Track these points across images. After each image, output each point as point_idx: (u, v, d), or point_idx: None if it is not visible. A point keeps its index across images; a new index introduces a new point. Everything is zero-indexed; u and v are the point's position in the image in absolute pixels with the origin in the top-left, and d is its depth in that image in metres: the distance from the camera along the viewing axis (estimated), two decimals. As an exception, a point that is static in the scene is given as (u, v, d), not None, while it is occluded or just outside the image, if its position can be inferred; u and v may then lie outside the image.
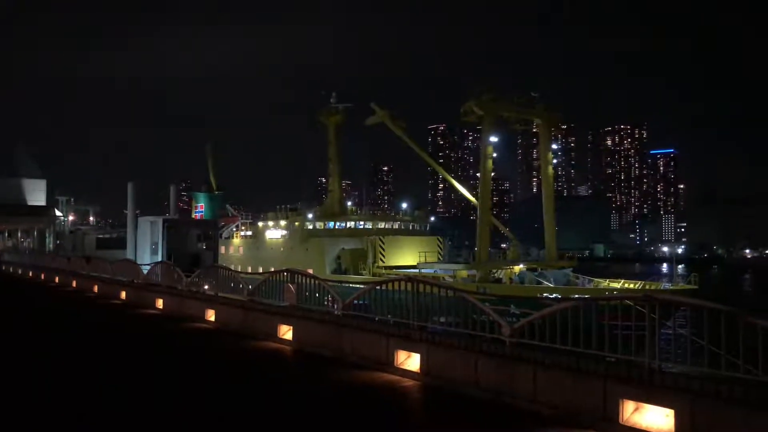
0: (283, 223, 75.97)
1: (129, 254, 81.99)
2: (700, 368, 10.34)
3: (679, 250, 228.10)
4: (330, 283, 19.43)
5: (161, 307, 30.33)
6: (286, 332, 19.90)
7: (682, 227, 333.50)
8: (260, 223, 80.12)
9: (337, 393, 13.71)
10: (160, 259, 72.91)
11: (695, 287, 45.37)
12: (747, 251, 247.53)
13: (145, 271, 36.19)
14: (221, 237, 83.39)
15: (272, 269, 24.20)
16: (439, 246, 70.42)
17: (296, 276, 20.26)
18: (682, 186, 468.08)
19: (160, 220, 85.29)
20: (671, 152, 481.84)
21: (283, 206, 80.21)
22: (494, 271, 57.32)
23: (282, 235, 75.50)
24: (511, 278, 55.15)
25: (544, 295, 41.38)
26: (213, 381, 15.29)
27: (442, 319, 14.62)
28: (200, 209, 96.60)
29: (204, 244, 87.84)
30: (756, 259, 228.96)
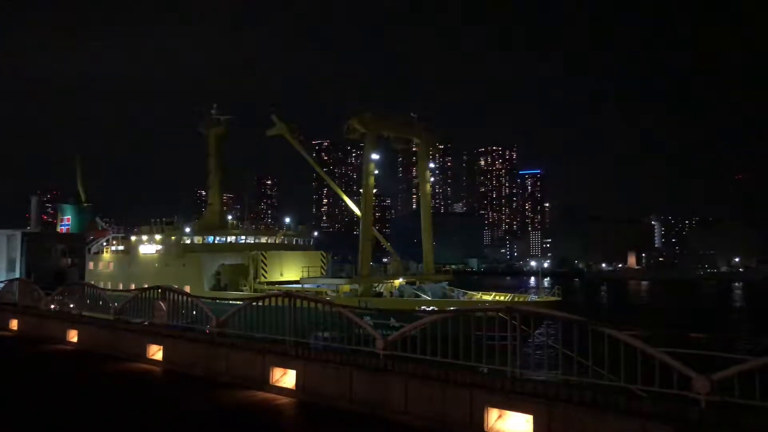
0: (158, 237, 72.48)
1: (-19, 271, 75.05)
2: (557, 375, 11.11)
3: (545, 265, 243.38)
4: (204, 300, 18.86)
5: (16, 328, 27.94)
6: (155, 352, 19.03)
7: (548, 243, 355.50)
8: (133, 238, 75.94)
9: (208, 414, 13.28)
10: (18, 275, 67.43)
11: (558, 299, 48.38)
12: (603, 265, 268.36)
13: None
14: (89, 252, 78.33)
15: (146, 286, 23.05)
16: (322, 261, 70.19)
17: (168, 293, 19.48)
18: (547, 204, 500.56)
19: (18, 234, 78.91)
20: (538, 173, 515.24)
21: (158, 219, 76.62)
22: (375, 285, 58.05)
23: (157, 250, 72.02)
24: (391, 292, 56.08)
25: (422, 308, 42.51)
26: (69, 408, 14.23)
27: (325, 335, 14.65)
28: (66, 222, 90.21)
29: (70, 259, 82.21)
30: (611, 273, 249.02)
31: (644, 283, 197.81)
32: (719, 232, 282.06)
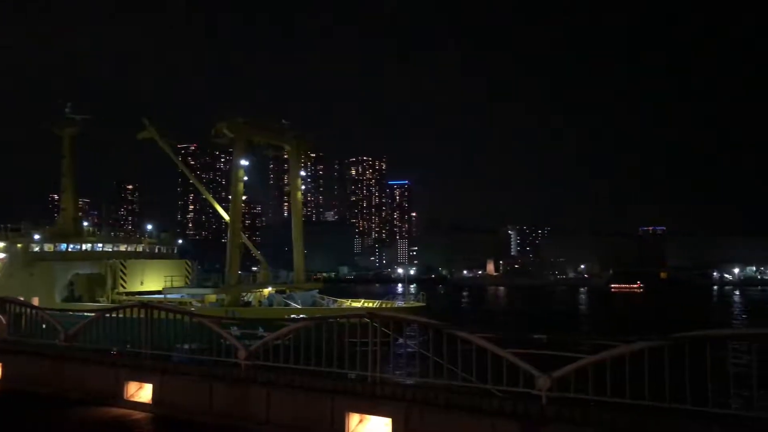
0: (1, 244, 66.28)
1: None
2: (416, 378, 11.57)
3: (412, 272, 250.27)
4: (53, 313, 17.56)
5: None
6: (-6, 370, 17.42)
7: (414, 251, 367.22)
8: (-29, 245, 68.85)
9: (56, 433, 12.43)
10: None
11: (423, 304, 50.09)
12: (465, 272, 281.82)
13: None
14: None
15: (-17, 298, 21.00)
16: (187, 270, 67.49)
17: (8, 305, 17.92)
18: (414, 214, 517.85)
19: None
20: (406, 183, 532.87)
21: (2, 226, 70.02)
22: (244, 294, 56.83)
23: (0, 259, 65.83)
24: (260, 301, 55.18)
25: (292, 316, 42.21)
26: None
27: (188, 346, 14.18)
28: None
29: None
30: (471, 279, 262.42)
31: (501, 288, 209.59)
32: (568, 242, 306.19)
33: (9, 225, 69.08)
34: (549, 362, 10.70)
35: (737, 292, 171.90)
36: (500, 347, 10.87)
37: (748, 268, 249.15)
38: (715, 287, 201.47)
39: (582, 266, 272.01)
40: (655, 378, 9.58)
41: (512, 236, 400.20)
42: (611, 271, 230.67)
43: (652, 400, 9.36)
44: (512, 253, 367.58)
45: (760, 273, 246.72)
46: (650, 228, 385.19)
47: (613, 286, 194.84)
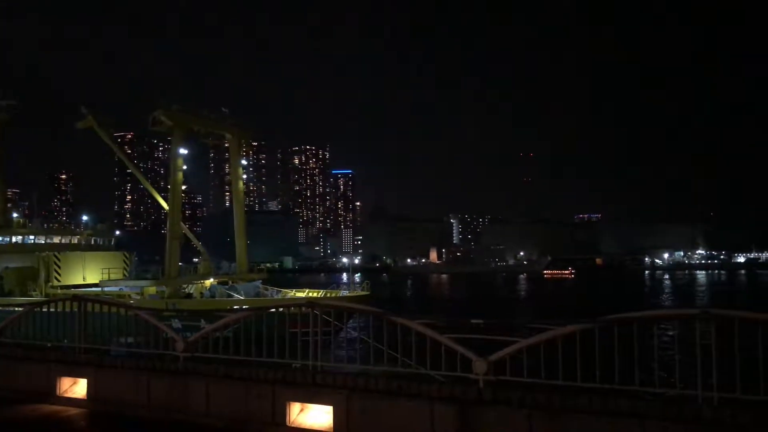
0: None
1: None
2: (356, 365, 11.65)
3: (356, 261, 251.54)
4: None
5: None
6: None
7: (359, 240, 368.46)
8: None
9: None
10: None
11: (367, 293, 50.39)
12: (408, 260, 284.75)
13: None
14: None
15: None
16: (125, 262, 65.70)
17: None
18: (358, 203, 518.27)
19: None
20: (349, 173, 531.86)
21: None
22: (185, 286, 55.76)
23: None
24: (202, 293, 54.30)
25: (234, 307, 41.67)
26: None
27: (127, 340, 13.83)
28: None
29: None
30: (415, 267, 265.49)
31: (444, 276, 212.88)
32: (507, 229, 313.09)
33: (-70, 217, 65.50)
34: (487, 347, 10.97)
35: (667, 276, 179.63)
36: (439, 333, 11.07)
37: (677, 253, 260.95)
38: (647, 272, 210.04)
39: (521, 253, 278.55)
40: (586, 359, 9.98)
41: (454, 225, 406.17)
42: (549, 258, 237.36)
43: (584, 381, 9.74)
44: (455, 242, 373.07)
45: (687, 258, 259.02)
46: (585, 216, 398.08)
47: (546, 272, 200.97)
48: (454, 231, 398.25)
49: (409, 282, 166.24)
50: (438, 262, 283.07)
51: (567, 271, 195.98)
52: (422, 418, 10.28)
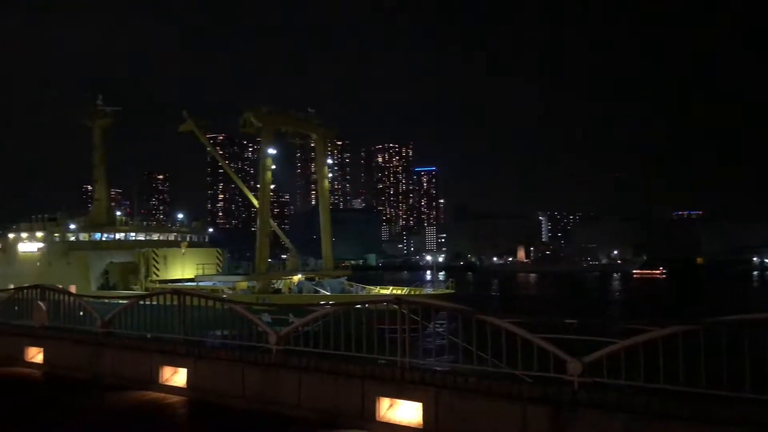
0: (39, 234, 67.84)
1: None
2: (445, 363, 11.57)
3: (440, 259, 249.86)
4: (89, 300, 17.97)
5: None
6: (35, 355, 17.95)
7: (443, 238, 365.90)
8: (11, 235, 70.52)
9: (97, 416, 12.78)
10: None
11: (452, 291, 49.92)
12: (494, 259, 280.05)
13: None
14: (-41, 251, 72.14)
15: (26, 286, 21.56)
16: (218, 258, 68.41)
17: (48, 293, 18.39)
18: (442, 201, 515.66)
19: None
20: (433, 170, 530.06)
21: (39, 216, 71.71)
22: (274, 281, 57.42)
23: (38, 248, 67.45)
24: (290, 288, 55.68)
25: (321, 303, 42.45)
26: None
27: (218, 333, 14.39)
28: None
29: (-65, 259, 75.29)
30: (501, 266, 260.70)
31: (532, 275, 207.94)
32: (599, 227, 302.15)
33: (46, 215, 70.74)
34: (580, 347, 10.59)
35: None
36: (530, 333, 10.80)
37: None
38: (755, 272, 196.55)
39: (615, 252, 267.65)
40: (689, 363, 9.42)
41: (543, 222, 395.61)
42: (644, 257, 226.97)
43: (687, 385, 9.22)
44: (543, 240, 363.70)
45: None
46: (685, 213, 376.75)
47: (635, 271, 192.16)
48: (543, 229, 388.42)
49: (496, 281, 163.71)
50: (525, 260, 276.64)
51: (658, 271, 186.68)
52: (513, 419, 10.08)
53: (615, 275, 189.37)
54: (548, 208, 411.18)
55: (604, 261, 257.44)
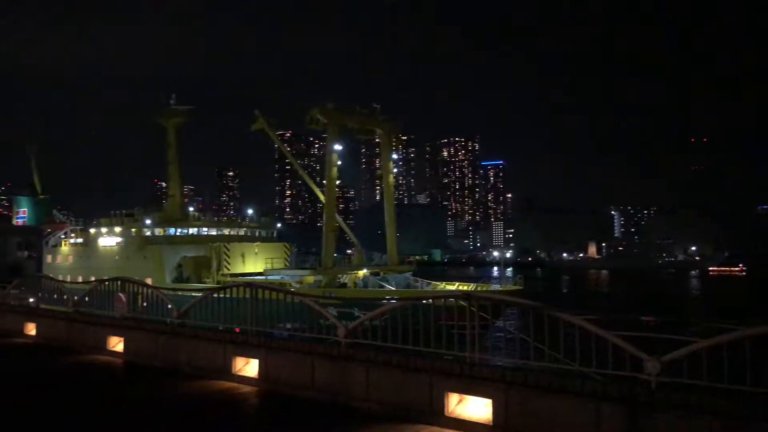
0: (118, 229, 71.21)
1: (-69, 265, 72.58)
2: (515, 360, 11.36)
3: (508, 255, 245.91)
4: (165, 292, 18.68)
5: (-31, 322, 27.23)
6: (116, 344, 18.82)
7: (510, 233, 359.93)
8: (92, 230, 74.43)
9: (173, 403, 13.27)
10: (-30, 269, 65.41)
11: (520, 288, 49.26)
12: (564, 255, 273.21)
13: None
14: (47, 245, 76.58)
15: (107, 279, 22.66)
16: (286, 252, 69.90)
17: (128, 285, 19.24)
18: (509, 195, 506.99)
19: (-29, 227, 76.57)
20: (500, 164, 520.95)
21: (118, 212, 75.17)
22: (339, 276, 58.14)
23: (117, 243, 70.78)
24: (355, 283, 56.26)
25: (386, 298, 42.69)
26: (29, 400, 14.05)
27: (288, 325, 14.68)
28: (22, 215, 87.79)
29: (26, 252, 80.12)
30: (572, 262, 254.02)
31: (604, 271, 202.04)
32: (676, 222, 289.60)
33: (124, 211, 74.05)
34: (657, 347, 10.18)
35: None
36: (605, 330, 10.46)
37: None
38: None
39: (693, 248, 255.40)
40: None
41: (615, 217, 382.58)
42: (726, 254, 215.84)
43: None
44: (616, 235, 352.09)
45: None
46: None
47: (711, 269, 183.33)
48: (615, 223, 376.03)
49: (565, 277, 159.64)
50: (597, 256, 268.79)
51: (737, 268, 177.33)
52: (587, 418, 9.78)
53: (692, 272, 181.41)
54: (621, 201, 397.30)
55: (680, 257, 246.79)
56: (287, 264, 65.87)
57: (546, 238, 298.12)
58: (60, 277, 53.18)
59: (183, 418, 12.25)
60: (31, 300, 25.69)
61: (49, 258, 76.21)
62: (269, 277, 55.96)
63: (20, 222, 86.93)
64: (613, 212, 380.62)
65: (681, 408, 9.17)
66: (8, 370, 18.06)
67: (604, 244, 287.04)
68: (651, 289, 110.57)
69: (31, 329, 23.31)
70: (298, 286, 52.29)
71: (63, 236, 78.35)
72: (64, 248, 77.39)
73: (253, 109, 66.73)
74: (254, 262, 64.51)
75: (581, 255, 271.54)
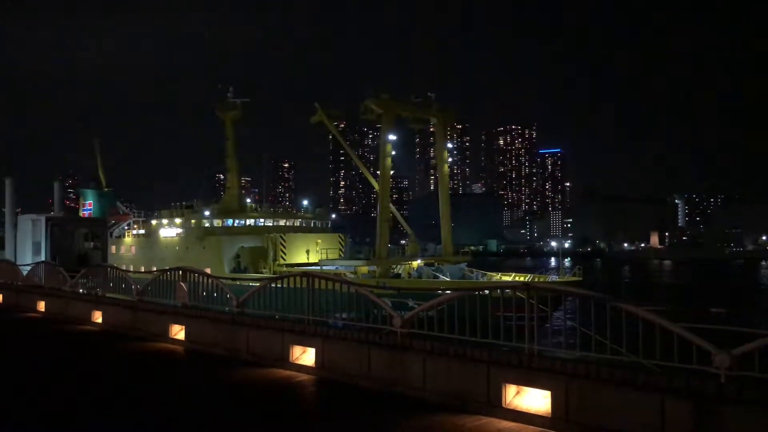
0: (178, 221, 73.25)
1: (8, 255, 76.48)
2: (575, 352, 11.09)
3: (566, 245, 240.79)
4: (224, 281, 19.09)
5: (43, 309, 28.57)
6: (178, 332, 19.37)
7: (569, 223, 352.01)
8: (154, 221, 76.83)
9: (233, 390, 13.59)
10: (43, 259, 68.71)
11: (579, 278, 48.19)
12: (625, 245, 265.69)
13: (26, 273, 33.99)
14: (111, 236, 79.48)
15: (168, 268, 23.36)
16: (340, 243, 70.53)
17: (188, 274, 19.75)
18: (568, 184, 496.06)
19: (42, 219, 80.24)
20: (558, 152, 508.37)
21: (178, 203, 77.36)
22: (394, 266, 58.24)
23: (177, 234, 72.85)
24: (409, 273, 56.25)
25: (441, 288, 42.51)
26: (98, 382, 14.66)
27: (343, 315, 14.79)
28: (88, 207, 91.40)
29: (92, 243, 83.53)
30: (633, 252, 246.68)
31: (667, 262, 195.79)
32: (745, 210, 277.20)
33: (184, 203, 76.16)
34: (727, 339, 9.75)
35: None
36: (670, 322, 10.07)
37: None
38: None
39: (763, 237, 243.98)
40: None
41: (680, 206, 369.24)
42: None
43: None
44: (680, 224, 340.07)
45: None
46: None
47: None
48: (679, 212, 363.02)
49: (626, 268, 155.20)
50: (659, 246, 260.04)
51: None
52: (651, 412, 9.47)
53: (763, 263, 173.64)
54: (686, 189, 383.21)
55: (750, 247, 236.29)
56: (341, 254, 66.48)
57: (606, 227, 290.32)
58: (123, 267, 55.35)
59: (243, 404, 12.51)
60: (96, 288, 26.72)
61: (113, 248, 79.13)
62: (324, 268, 56.56)
63: (86, 214, 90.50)
64: (677, 201, 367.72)
65: (753, 403, 8.77)
66: (78, 356, 18.86)
67: (667, 234, 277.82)
68: (718, 281, 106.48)
69: (97, 317, 24.27)
70: (352, 276, 52.68)
71: (126, 227, 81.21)
72: (127, 239, 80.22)
73: (313, 102, 67.18)
74: (309, 253, 65.32)
75: (643, 245, 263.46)
